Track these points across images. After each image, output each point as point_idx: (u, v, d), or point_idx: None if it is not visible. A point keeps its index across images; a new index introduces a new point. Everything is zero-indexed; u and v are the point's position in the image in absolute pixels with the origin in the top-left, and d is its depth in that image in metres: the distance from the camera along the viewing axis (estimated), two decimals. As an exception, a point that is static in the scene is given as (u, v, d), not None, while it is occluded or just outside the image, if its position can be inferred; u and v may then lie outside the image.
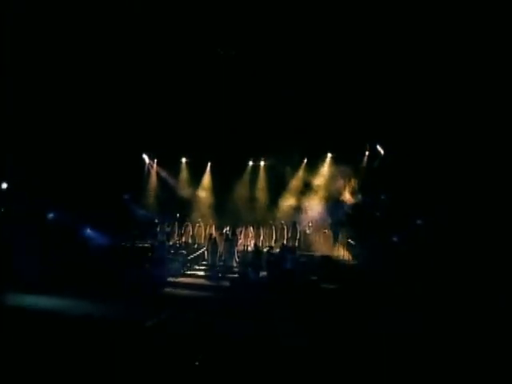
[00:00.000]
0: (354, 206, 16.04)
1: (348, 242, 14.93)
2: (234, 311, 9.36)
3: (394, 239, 13.05)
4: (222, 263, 14.58)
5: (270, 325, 8.32)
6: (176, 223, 17.06)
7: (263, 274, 12.74)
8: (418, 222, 13.08)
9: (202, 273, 14.37)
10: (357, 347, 7.16)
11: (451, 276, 10.61)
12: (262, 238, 16.19)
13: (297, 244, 15.72)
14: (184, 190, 18.59)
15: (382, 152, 16.69)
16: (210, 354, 6.28)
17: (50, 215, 14.65)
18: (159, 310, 8.87)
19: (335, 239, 15.19)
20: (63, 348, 6.19)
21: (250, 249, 15.55)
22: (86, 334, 6.73)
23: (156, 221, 16.91)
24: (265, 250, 14.76)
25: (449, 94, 13.36)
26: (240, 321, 8.55)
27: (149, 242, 15.72)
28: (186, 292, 12.03)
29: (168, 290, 12.24)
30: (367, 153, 17.24)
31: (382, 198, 15.77)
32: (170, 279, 13.15)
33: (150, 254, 14.18)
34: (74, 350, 6.17)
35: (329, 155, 17.80)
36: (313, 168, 17.90)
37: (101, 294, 10.06)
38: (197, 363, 5.67)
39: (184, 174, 18.99)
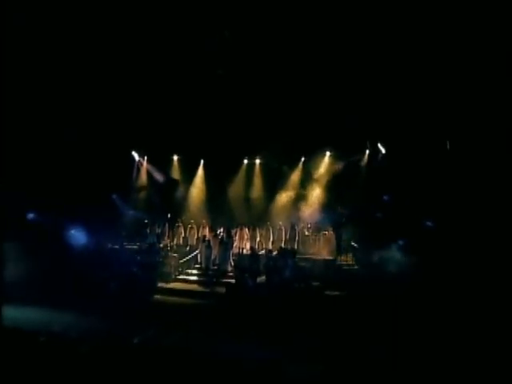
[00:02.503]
0: (355, 207, 15.35)
1: (351, 245, 14.20)
2: (231, 324, 8.57)
3: (400, 242, 12.29)
4: (216, 267, 13.80)
5: (273, 345, 7.42)
6: (167, 224, 16.15)
7: (261, 279, 11.94)
8: (428, 223, 12.36)
9: (194, 277, 13.56)
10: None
11: (467, 283, 9.92)
12: (258, 239, 15.40)
13: (296, 246, 14.91)
14: (176, 189, 17.79)
15: (384, 150, 16.09)
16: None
17: (30, 215, 13.64)
18: (148, 323, 7.95)
19: (337, 242, 14.34)
20: (36, 374, 5.24)
21: (245, 251, 14.76)
22: (63, 355, 5.76)
23: (146, 221, 16.05)
24: (261, 252, 14.13)
25: (454, 89, 12.93)
26: (239, 337, 7.68)
27: (138, 243, 14.94)
28: (177, 299, 11.22)
29: (158, 297, 11.38)
30: (368, 151, 16.64)
31: (385, 198, 15.21)
32: (161, 285, 12.27)
33: (138, 257, 13.28)
34: (50, 375, 5.24)
35: (327, 153, 17.16)
36: (311, 167, 17.30)
37: (84, 304, 9.10)
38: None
39: (176, 172, 18.15)
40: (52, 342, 5.97)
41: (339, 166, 16.91)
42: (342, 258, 14.16)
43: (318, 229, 15.73)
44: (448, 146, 13.10)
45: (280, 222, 15.79)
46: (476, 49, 11.65)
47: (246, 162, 17.94)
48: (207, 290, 12.18)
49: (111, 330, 7.50)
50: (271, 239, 15.41)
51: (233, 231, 15.02)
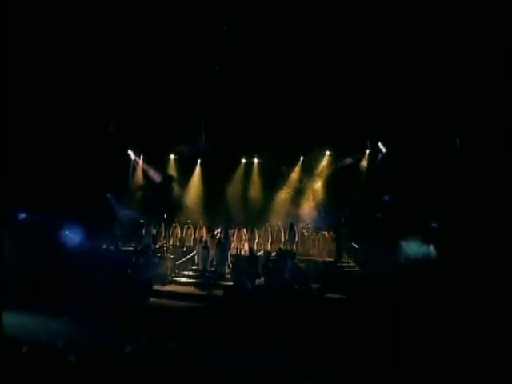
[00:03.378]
0: (355, 207, 15.07)
1: (351, 246, 13.90)
2: (229, 328, 8.25)
3: (403, 243, 12.00)
4: (213, 269, 13.46)
5: (273, 349, 7.10)
6: (163, 224, 15.77)
7: (260, 281, 11.63)
8: (434, 225, 12.05)
9: (191, 279, 13.18)
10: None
11: (471, 285, 9.64)
12: (256, 240, 15.03)
13: (295, 247, 14.56)
14: (172, 189, 17.48)
15: (384, 149, 15.84)
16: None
17: (22, 215, 13.25)
18: (142, 328, 7.59)
19: (337, 242, 14.04)
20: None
21: (243, 253, 14.41)
22: (48, 367, 5.38)
23: (141, 221, 15.70)
24: (259, 253, 13.81)
25: (456, 87, 12.73)
26: (237, 342, 7.34)
27: (133, 244, 14.53)
28: (173, 303, 10.85)
29: (153, 300, 11.01)
30: (368, 151, 16.37)
31: (385, 198, 14.98)
32: (156, 287, 11.90)
33: (133, 258, 12.93)
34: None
35: (327, 153, 16.86)
36: (310, 166, 17.01)
37: (76, 307, 8.69)
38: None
39: (172, 171, 17.80)
40: (36, 352, 5.54)
41: (339, 165, 16.64)
42: (343, 259, 13.82)
43: (317, 229, 15.42)
44: (458, 144, 12.82)
45: (279, 223, 15.49)
46: (477, 45, 11.49)
47: (243, 161, 17.61)
48: (204, 293, 11.80)
49: (103, 337, 7.13)
50: (270, 240, 15.04)
51: (230, 232, 14.65)
